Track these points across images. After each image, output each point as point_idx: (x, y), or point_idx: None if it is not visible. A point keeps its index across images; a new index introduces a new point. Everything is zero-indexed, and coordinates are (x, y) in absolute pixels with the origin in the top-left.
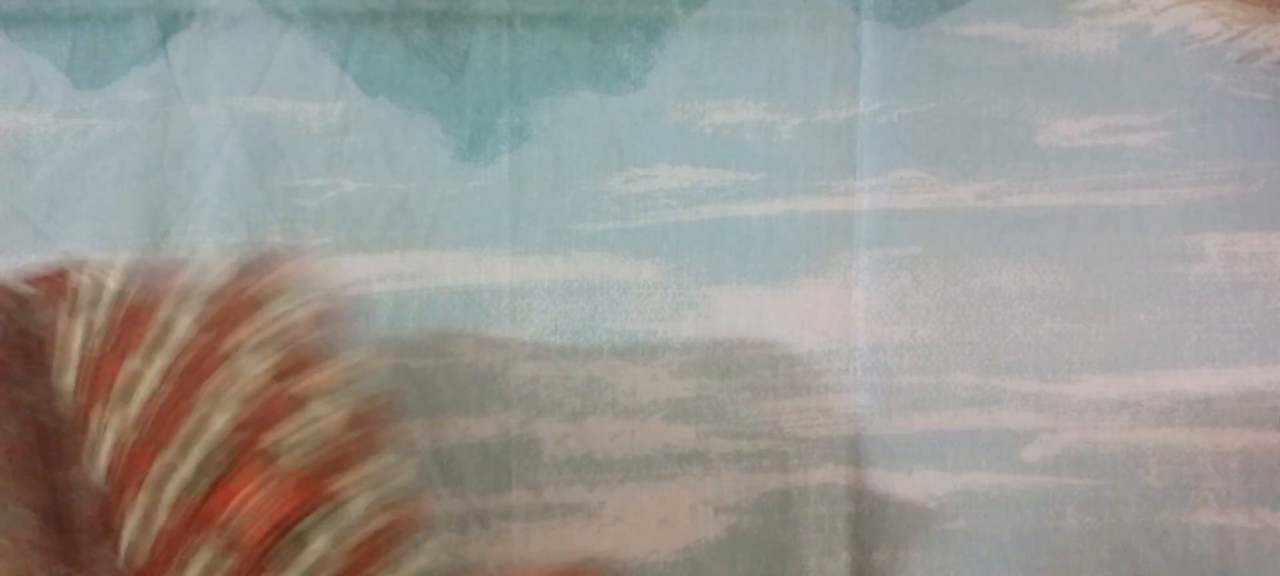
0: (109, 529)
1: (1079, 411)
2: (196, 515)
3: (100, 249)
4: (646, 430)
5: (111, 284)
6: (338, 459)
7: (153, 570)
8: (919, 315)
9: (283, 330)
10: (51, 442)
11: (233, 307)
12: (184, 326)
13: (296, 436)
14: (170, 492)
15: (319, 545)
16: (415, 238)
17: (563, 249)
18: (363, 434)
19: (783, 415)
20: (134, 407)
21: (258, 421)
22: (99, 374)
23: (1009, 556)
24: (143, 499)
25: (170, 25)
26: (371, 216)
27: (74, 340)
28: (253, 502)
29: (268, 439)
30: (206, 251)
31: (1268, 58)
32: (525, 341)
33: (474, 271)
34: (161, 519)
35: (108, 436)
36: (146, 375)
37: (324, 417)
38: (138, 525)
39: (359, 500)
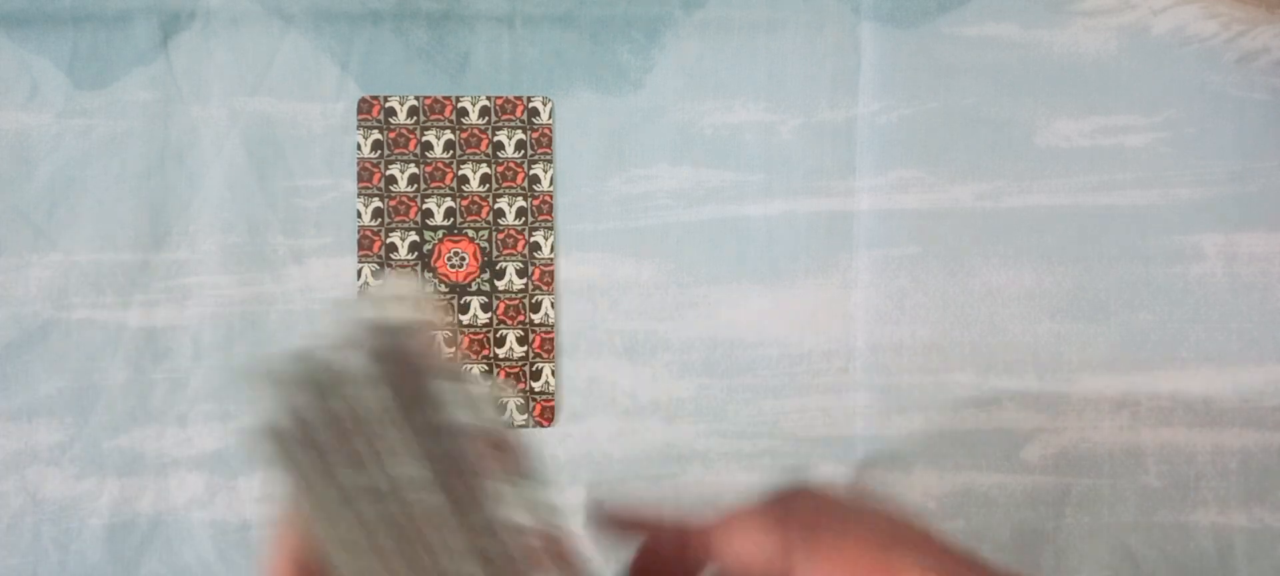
0: None
1: (1078, 411)
2: None
3: (101, 249)
4: (646, 430)
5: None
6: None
7: None
8: (918, 315)
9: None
10: None
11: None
12: None
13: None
14: None
15: None
16: None
17: (563, 249)
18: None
19: (783, 415)
20: None
21: None
22: None
23: (1009, 556)
24: None
25: (171, 26)
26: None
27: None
28: None
29: None
30: (208, 251)
31: (1266, 58)
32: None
33: None
34: None
35: None
36: None
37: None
38: None
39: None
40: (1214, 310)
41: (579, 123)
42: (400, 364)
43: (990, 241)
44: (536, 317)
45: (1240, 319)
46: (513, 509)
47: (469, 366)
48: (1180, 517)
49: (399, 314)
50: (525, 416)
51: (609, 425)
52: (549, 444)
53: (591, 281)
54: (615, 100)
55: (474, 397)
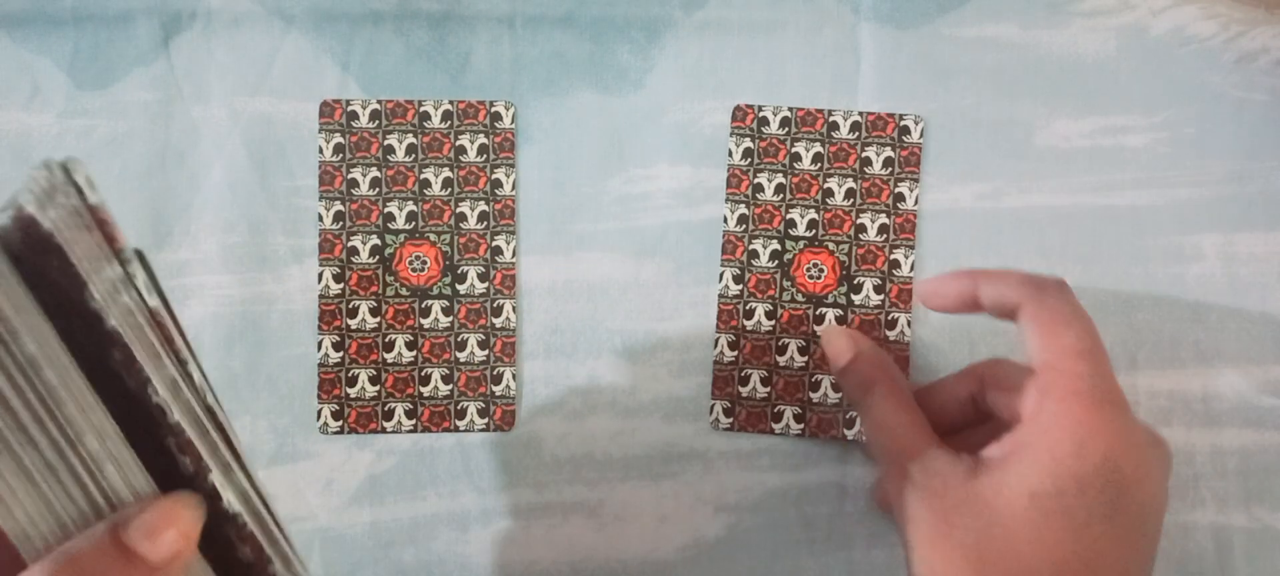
0: None
1: None
2: None
3: None
4: (646, 430)
5: None
6: None
7: None
8: (918, 315)
9: None
10: None
11: None
12: None
13: None
14: None
15: None
16: None
17: (563, 249)
18: None
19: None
20: None
21: None
22: None
23: None
24: None
25: (172, 26)
26: None
27: None
28: None
29: None
30: (209, 251)
31: (1265, 58)
32: (525, 341)
33: None
34: None
35: None
36: None
37: None
38: None
39: None
40: (1213, 310)
41: (579, 123)
42: (45, 243)
43: (990, 241)
44: (498, 321)
45: (1240, 319)
46: (160, 392)
47: (123, 253)
48: (1180, 517)
49: (41, 203)
50: (485, 421)
51: (609, 425)
52: (549, 443)
53: (591, 281)
54: (615, 100)
55: (119, 281)
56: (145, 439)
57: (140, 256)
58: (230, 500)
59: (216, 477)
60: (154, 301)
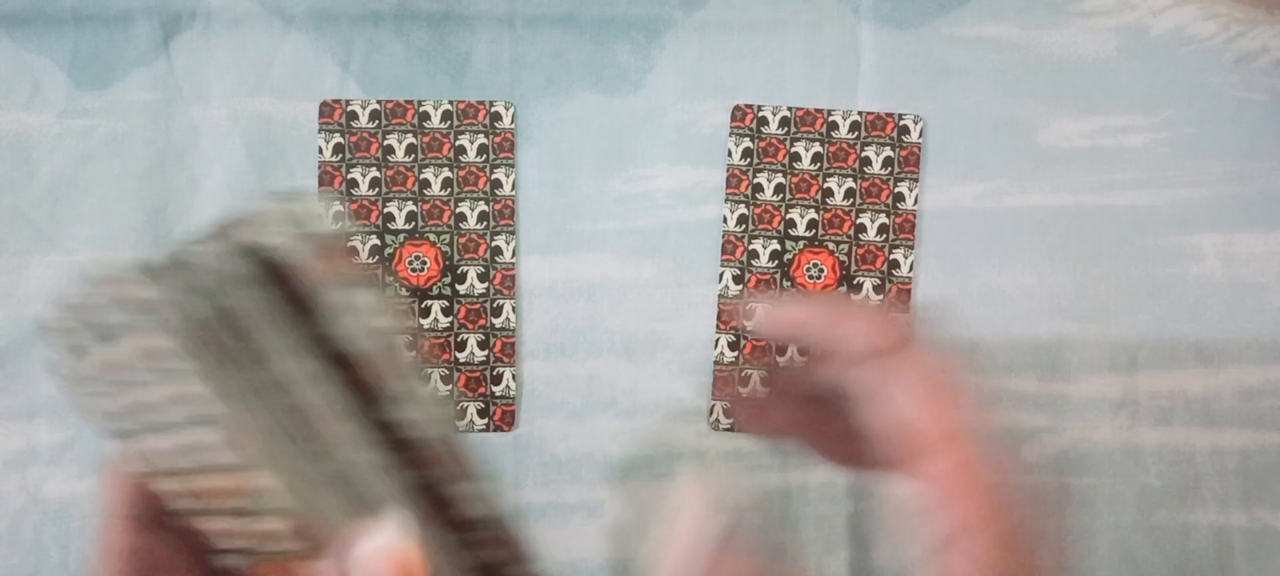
0: None
1: (1078, 411)
2: None
3: (102, 249)
4: (646, 430)
5: None
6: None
7: None
8: (916, 314)
9: None
10: None
11: None
12: None
13: None
14: None
15: None
16: None
17: (563, 249)
18: None
19: None
20: None
21: None
22: None
23: None
24: None
25: (172, 26)
26: None
27: None
28: None
29: None
30: None
31: (1265, 58)
32: (525, 341)
33: None
34: None
35: None
36: None
37: None
38: None
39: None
40: (1214, 310)
41: (579, 123)
42: (281, 271)
43: (990, 241)
44: (497, 322)
45: (1239, 319)
46: (408, 410)
47: (364, 279)
48: (1180, 517)
49: (278, 235)
50: (485, 421)
51: (609, 425)
52: (550, 443)
53: (591, 281)
54: (615, 100)
55: (363, 306)
56: (379, 453)
57: (372, 280)
58: (467, 506)
59: (452, 487)
60: (385, 322)
